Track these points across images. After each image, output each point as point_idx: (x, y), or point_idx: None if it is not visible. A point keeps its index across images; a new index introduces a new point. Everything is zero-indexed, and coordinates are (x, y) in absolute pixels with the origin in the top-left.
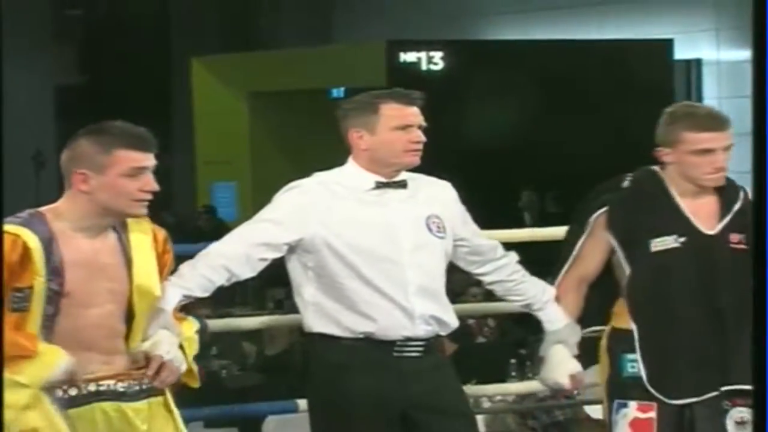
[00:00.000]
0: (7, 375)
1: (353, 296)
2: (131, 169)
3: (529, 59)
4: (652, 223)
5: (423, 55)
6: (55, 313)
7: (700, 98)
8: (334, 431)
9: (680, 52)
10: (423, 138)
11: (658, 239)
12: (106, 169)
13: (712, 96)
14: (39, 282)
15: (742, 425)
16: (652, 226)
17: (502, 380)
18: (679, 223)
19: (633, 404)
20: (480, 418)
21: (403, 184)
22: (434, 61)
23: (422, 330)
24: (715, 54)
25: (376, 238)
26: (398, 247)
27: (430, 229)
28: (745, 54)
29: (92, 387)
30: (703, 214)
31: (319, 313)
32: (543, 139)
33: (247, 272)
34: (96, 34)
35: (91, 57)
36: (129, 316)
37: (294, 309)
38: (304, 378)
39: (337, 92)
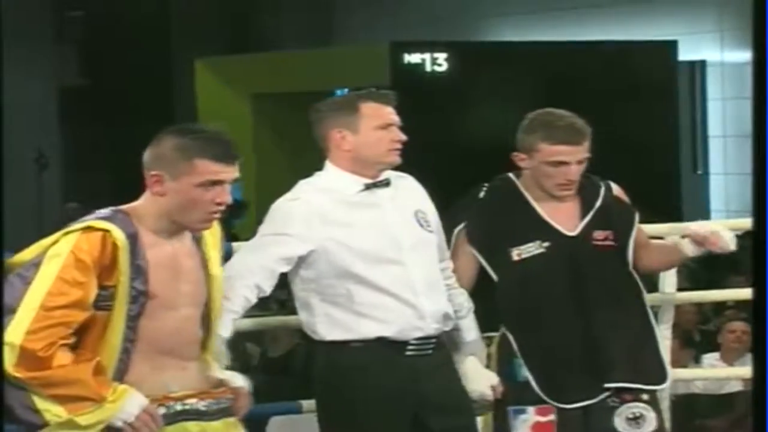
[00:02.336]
0: (65, 413)
1: (363, 302)
2: (207, 181)
3: (533, 61)
4: (512, 231)
5: (427, 56)
6: (139, 314)
7: (704, 100)
8: None
9: (684, 54)
10: (404, 137)
11: (522, 246)
12: (182, 176)
13: (716, 97)
14: (124, 281)
15: (635, 421)
16: (513, 234)
17: None
18: (540, 228)
19: (531, 409)
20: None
21: (387, 183)
22: (438, 62)
23: (433, 327)
24: (719, 56)
25: (377, 241)
26: (399, 247)
27: (421, 225)
28: (750, 56)
29: (179, 406)
30: (563, 216)
31: (330, 323)
32: None
33: (271, 287)
34: (98, 35)
35: (93, 58)
36: (205, 322)
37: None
38: (309, 380)
39: (341, 94)
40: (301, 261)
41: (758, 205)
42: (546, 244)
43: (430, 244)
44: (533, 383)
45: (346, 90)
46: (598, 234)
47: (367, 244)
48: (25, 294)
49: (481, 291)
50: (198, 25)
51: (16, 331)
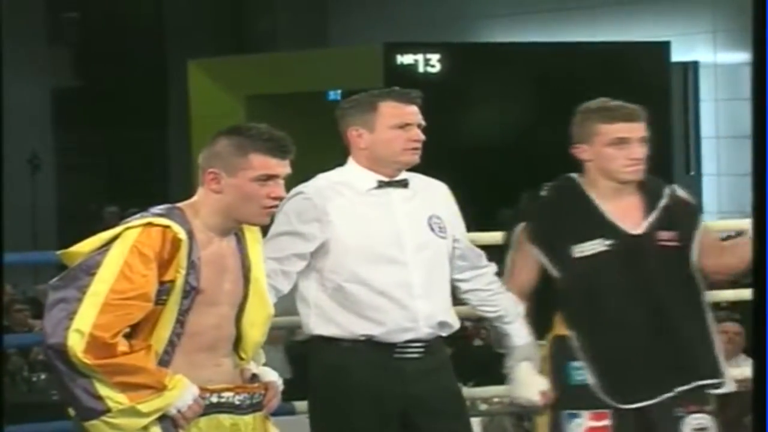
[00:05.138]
0: (127, 400)
1: (357, 298)
2: (263, 176)
3: (526, 62)
4: (574, 229)
5: (420, 57)
6: (189, 309)
7: (696, 101)
8: None
9: (677, 55)
10: (422, 137)
11: (584, 244)
12: (238, 171)
13: (708, 98)
14: (181, 276)
15: (701, 431)
16: (575, 232)
17: (499, 383)
18: (604, 226)
19: (586, 413)
20: (476, 421)
21: (404, 183)
22: (431, 63)
23: (425, 332)
24: (712, 57)
25: (381, 239)
26: (403, 248)
27: (432, 229)
28: (742, 57)
29: (214, 398)
30: (627, 215)
31: (321, 315)
32: (540, 142)
33: (287, 286)
34: (92, 36)
35: (88, 60)
36: (237, 321)
37: (293, 311)
38: (301, 380)
39: (335, 95)
40: (311, 255)
41: (759, 206)
42: (609, 242)
43: (438, 250)
44: (593, 384)
45: (339, 91)
46: (663, 234)
47: (369, 241)
48: (90, 285)
49: (537, 299)
50: (192, 26)
51: (84, 320)
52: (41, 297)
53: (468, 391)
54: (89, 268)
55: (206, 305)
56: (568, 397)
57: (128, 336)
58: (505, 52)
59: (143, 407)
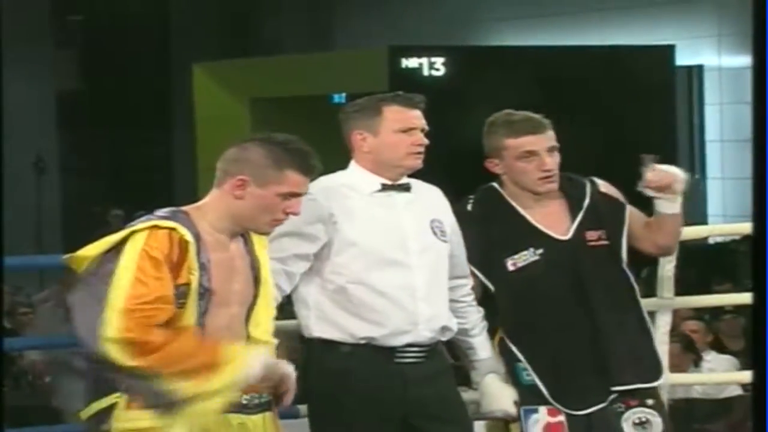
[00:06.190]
0: (193, 386)
1: (359, 300)
2: (291, 192)
3: (530, 65)
4: (505, 241)
5: (425, 60)
6: (206, 311)
7: (701, 104)
8: None
9: (682, 58)
10: (426, 141)
11: (516, 256)
12: (269, 184)
13: (713, 102)
14: (194, 278)
15: (641, 426)
16: (506, 244)
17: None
18: (532, 235)
19: (543, 409)
20: (479, 425)
21: (407, 187)
22: (436, 66)
23: (425, 336)
24: (717, 60)
25: (385, 241)
26: (406, 251)
27: (434, 233)
28: (747, 60)
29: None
30: (553, 221)
31: (321, 318)
32: None
33: (289, 287)
34: (97, 39)
35: (92, 63)
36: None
37: (293, 315)
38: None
39: (339, 98)
40: (314, 256)
41: (759, 210)
42: (540, 251)
43: (440, 253)
44: (542, 388)
45: (344, 94)
46: (591, 234)
47: (376, 243)
48: (109, 293)
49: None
50: (196, 29)
51: (112, 328)
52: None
53: (468, 395)
54: (103, 275)
55: (218, 306)
56: (522, 394)
57: None
58: (510, 56)
59: (212, 385)
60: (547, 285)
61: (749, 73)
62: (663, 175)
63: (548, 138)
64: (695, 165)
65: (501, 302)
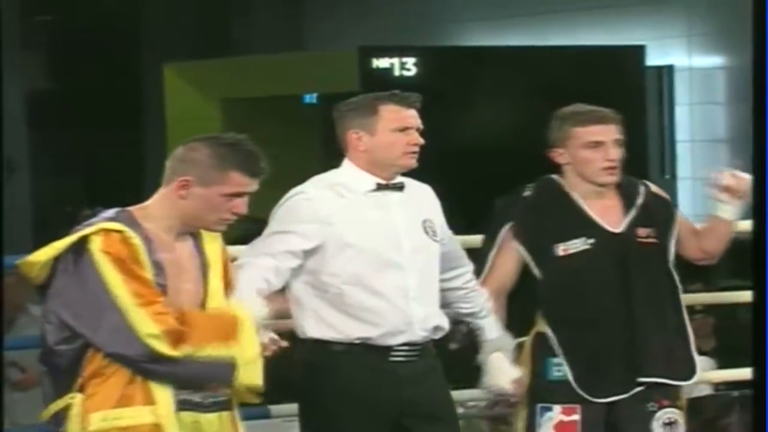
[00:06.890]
0: (228, 348)
1: (355, 301)
2: (235, 192)
3: (502, 65)
4: (558, 228)
5: (396, 60)
6: None
7: (671, 104)
8: None
9: (652, 59)
10: (421, 141)
11: (567, 243)
12: (212, 184)
13: (683, 102)
14: (151, 277)
15: (670, 426)
16: (558, 232)
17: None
18: (586, 225)
19: (557, 408)
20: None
21: (401, 187)
22: (407, 67)
23: (419, 335)
24: (687, 60)
25: (379, 241)
26: (400, 250)
27: (426, 233)
28: (717, 60)
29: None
30: (608, 214)
31: (316, 318)
32: (516, 145)
33: (279, 283)
34: (66, 39)
35: (62, 63)
36: None
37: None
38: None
39: (310, 98)
40: (305, 254)
41: (759, 208)
42: (591, 240)
43: (432, 253)
44: (570, 377)
45: (315, 95)
46: (641, 231)
47: (371, 244)
48: (115, 304)
49: (519, 298)
50: (167, 29)
51: (143, 328)
52: None
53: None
54: (93, 297)
55: (168, 306)
56: (544, 391)
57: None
58: (481, 56)
59: (241, 345)
60: (593, 274)
61: (719, 74)
62: (744, 182)
63: (615, 130)
64: (665, 165)
65: (545, 289)
